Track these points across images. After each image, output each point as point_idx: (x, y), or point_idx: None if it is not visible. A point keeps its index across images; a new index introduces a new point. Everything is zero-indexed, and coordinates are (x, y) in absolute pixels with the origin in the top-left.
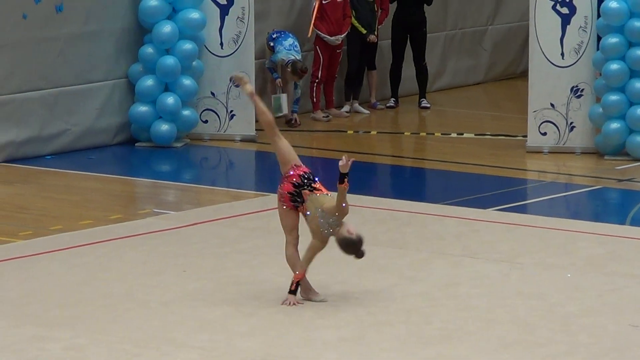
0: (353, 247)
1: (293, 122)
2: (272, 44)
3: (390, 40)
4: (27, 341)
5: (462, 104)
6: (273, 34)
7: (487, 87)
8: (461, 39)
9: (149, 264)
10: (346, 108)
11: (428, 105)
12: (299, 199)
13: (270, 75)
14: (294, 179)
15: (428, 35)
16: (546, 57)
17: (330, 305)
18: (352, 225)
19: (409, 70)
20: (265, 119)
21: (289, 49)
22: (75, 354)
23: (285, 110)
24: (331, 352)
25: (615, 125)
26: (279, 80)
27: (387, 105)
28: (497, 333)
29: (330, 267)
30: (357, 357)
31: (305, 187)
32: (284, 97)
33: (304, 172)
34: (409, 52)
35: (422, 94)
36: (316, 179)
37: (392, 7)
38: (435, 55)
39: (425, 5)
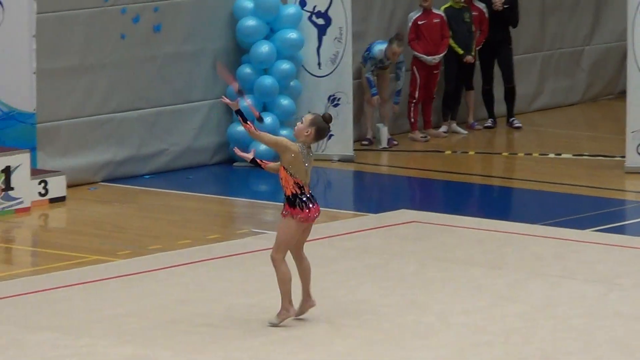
0: (318, 125)
1: (389, 145)
2: (365, 54)
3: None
4: None
5: (559, 124)
6: (365, 51)
7: (584, 108)
8: (558, 59)
9: (247, 284)
10: (444, 128)
11: (520, 125)
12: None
13: (369, 89)
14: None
15: (525, 55)
16: None
17: (429, 326)
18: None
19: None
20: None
21: (382, 43)
22: None
23: (384, 144)
24: None
25: None
26: (377, 97)
27: (485, 125)
28: (596, 354)
29: (428, 287)
30: None
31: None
32: (384, 131)
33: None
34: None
35: (510, 114)
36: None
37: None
38: (533, 76)
39: (512, 27)
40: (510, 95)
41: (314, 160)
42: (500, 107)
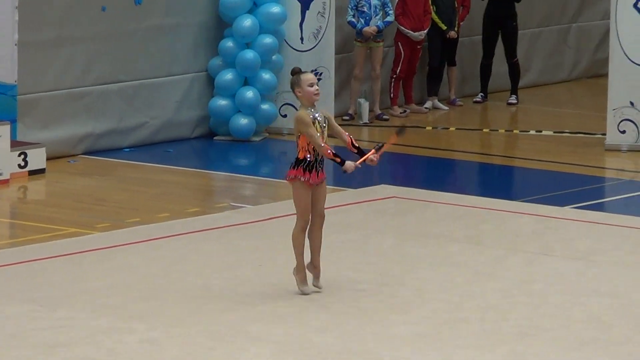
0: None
1: (373, 119)
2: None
3: (479, 36)
4: (103, 333)
5: (544, 101)
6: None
7: (570, 86)
8: (547, 36)
9: (225, 258)
10: (428, 104)
11: (514, 101)
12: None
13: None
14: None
15: None
16: (626, 56)
17: (406, 301)
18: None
19: (499, 66)
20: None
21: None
22: (150, 346)
23: (365, 119)
24: (406, 347)
25: None
26: (367, 29)
27: (474, 100)
28: (573, 331)
29: (406, 263)
30: (432, 353)
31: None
32: (365, 106)
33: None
34: (500, 48)
35: (514, 90)
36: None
37: (483, 3)
38: (521, 53)
39: (515, 2)
40: (514, 71)
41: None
42: (494, 83)
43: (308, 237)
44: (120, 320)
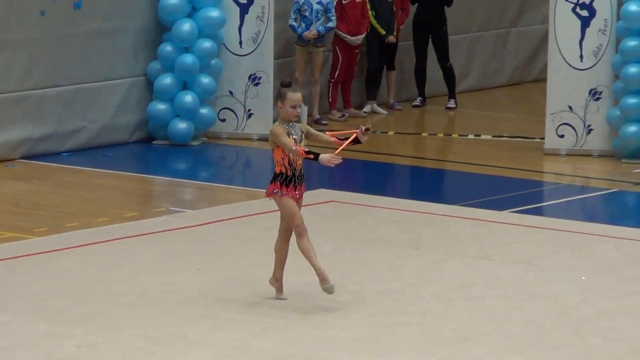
0: (279, 92)
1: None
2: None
3: (412, 41)
4: (41, 338)
5: (483, 105)
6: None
7: (510, 90)
8: (486, 41)
9: (164, 262)
10: (367, 108)
11: (453, 106)
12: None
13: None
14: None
15: (453, 37)
16: (565, 60)
17: (345, 306)
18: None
19: (437, 70)
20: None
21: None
22: (88, 351)
23: (304, 123)
24: (345, 352)
25: (633, 128)
26: (309, 32)
27: (413, 104)
28: (511, 335)
29: (345, 267)
30: (371, 358)
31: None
32: (304, 110)
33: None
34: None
35: (451, 94)
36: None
37: (413, 7)
38: (461, 57)
39: (445, 6)
40: (448, 75)
41: (234, 139)
42: (433, 88)
43: (278, 250)
44: (58, 324)
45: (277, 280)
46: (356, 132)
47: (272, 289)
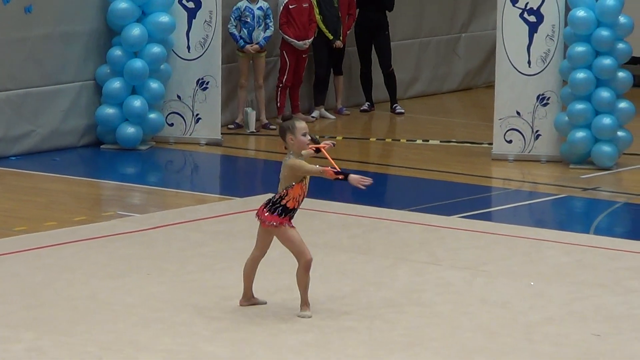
0: (280, 126)
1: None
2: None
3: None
4: None
5: (433, 111)
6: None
7: (460, 95)
8: (435, 46)
9: (112, 266)
10: (315, 113)
11: (402, 110)
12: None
13: (236, 43)
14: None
15: (402, 42)
16: (513, 65)
17: (295, 311)
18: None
19: (382, 76)
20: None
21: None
22: (37, 355)
23: (252, 128)
24: (295, 356)
25: (580, 134)
26: (250, 46)
27: (361, 109)
28: (460, 340)
29: (295, 272)
30: None
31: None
32: (252, 115)
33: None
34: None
35: (393, 100)
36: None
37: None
38: (410, 63)
39: (387, 11)
40: (390, 80)
41: (182, 144)
42: (380, 93)
43: (250, 270)
44: (6, 328)
45: (248, 300)
46: (324, 144)
47: (221, 293)
